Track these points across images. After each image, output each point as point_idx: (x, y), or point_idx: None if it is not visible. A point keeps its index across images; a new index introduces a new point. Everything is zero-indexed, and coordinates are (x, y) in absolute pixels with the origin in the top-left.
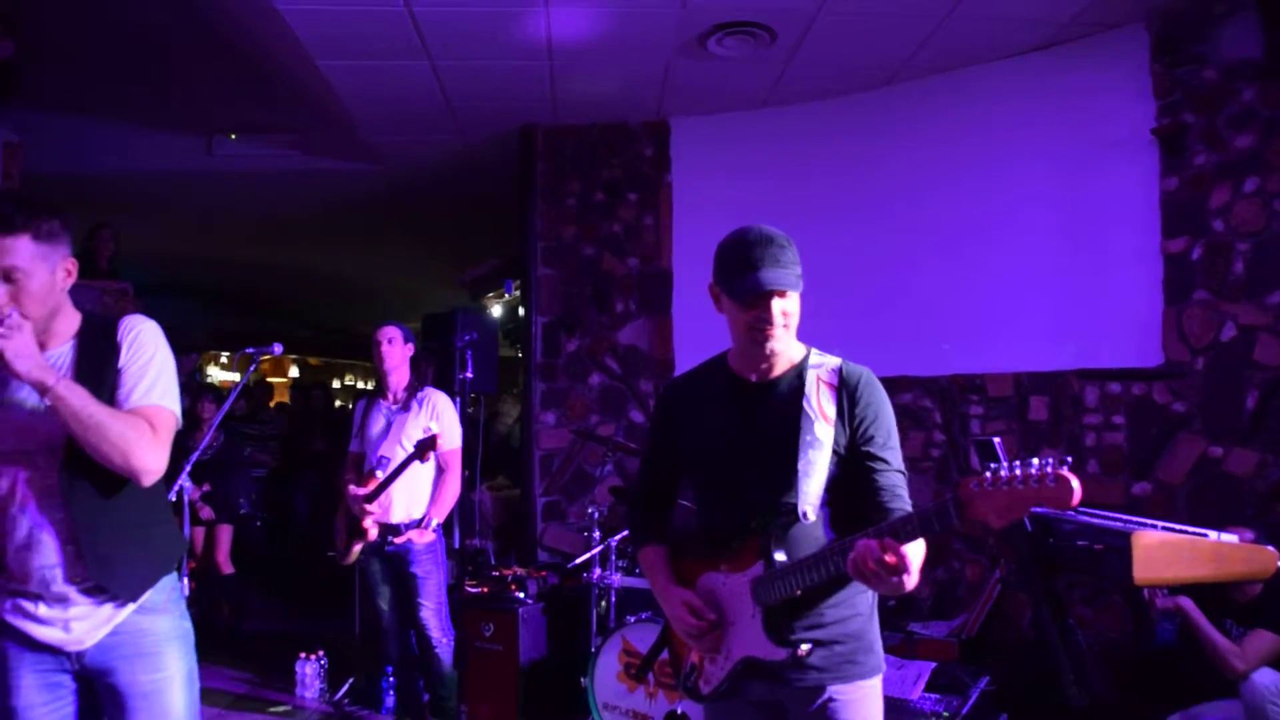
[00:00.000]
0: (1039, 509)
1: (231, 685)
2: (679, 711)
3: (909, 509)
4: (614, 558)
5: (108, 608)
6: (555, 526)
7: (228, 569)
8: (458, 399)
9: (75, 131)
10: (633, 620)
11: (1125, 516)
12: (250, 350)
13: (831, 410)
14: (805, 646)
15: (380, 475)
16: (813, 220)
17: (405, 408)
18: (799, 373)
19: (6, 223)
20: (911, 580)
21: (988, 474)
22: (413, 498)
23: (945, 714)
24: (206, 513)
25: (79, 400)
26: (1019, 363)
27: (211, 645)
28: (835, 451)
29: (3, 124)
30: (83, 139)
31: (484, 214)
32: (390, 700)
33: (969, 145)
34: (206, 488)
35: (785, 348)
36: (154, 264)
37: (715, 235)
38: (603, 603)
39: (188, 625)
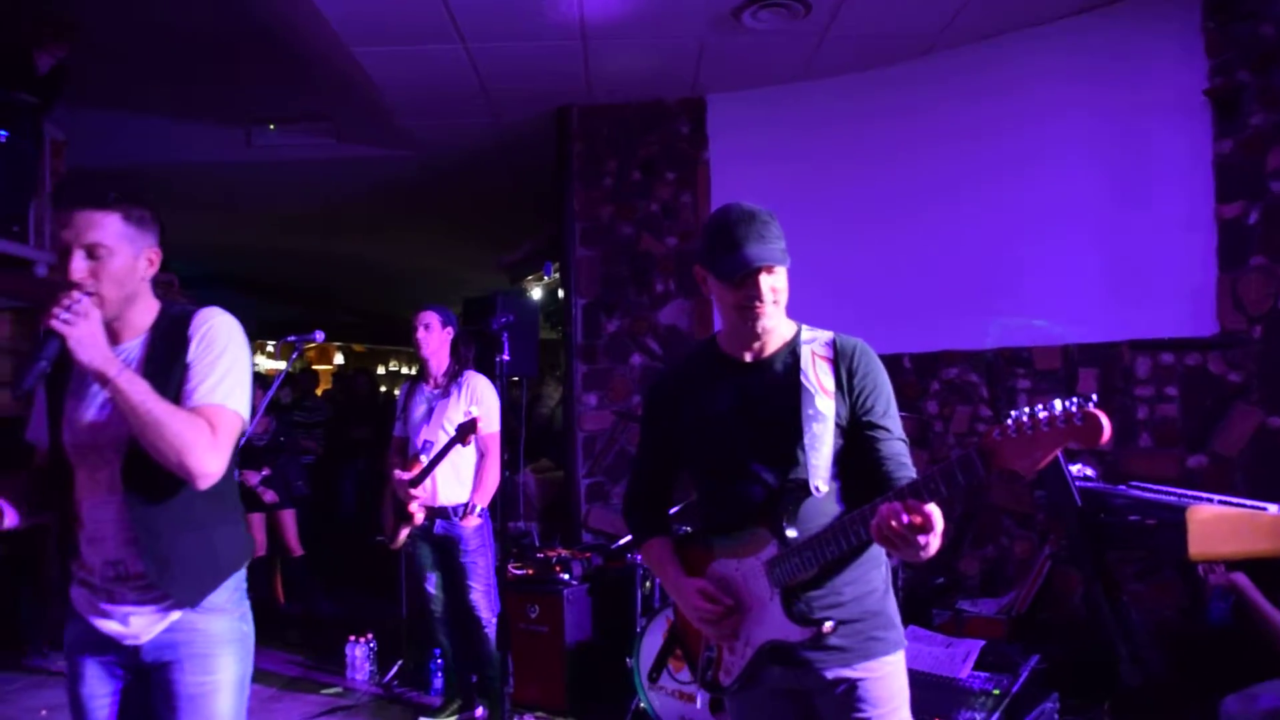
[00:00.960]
0: (1083, 481)
1: (285, 668)
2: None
3: (914, 476)
4: None
5: (165, 605)
6: (599, 508)
7: (298, 551)
8: (498, 382)
9: (119, 127)
10: None
11: (1180, 490)
12: (292, 338)
13: (830, 383)
14: (829, 624)
15: (424, 460)
16: (852, 194)
17: (446, 392)
18: (792, 349)
19: (99, 199)
20: (935, 543)
21: (1009, 420)
22: (457, 481)
23: (995, 692)
24: (270, 496)
25: (138, 395)
26: (1067, 334)
27: (265, 629)
28: (838, 424)
29: (49, 122)
30: (126, 134)
31: (522, 196)
32: (439, 682)
33: (1011, 114)
34: (266, 472)
35: (777, 324)
36: (198, 255)
37: None
38: (647, 583)
39: (246, 629)
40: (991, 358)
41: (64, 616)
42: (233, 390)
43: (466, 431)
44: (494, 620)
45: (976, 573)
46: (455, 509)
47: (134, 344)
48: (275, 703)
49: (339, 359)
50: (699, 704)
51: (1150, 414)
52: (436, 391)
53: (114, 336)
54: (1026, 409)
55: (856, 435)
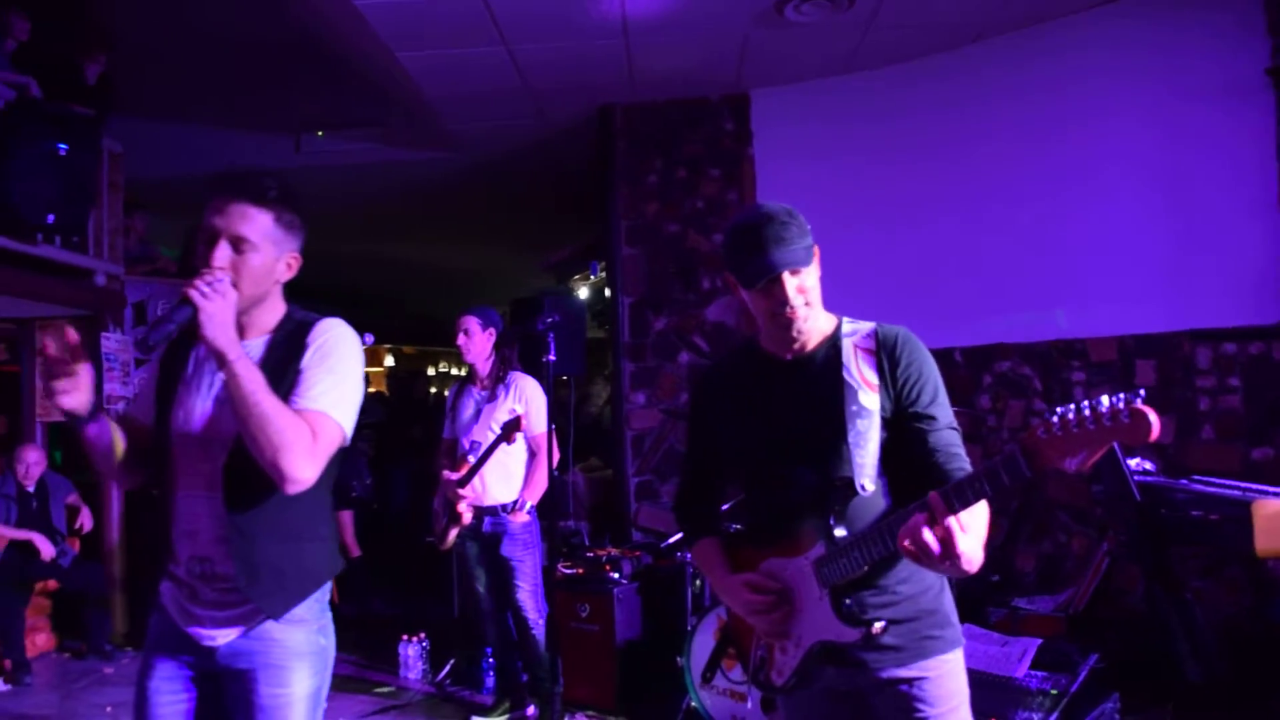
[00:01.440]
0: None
1: (339, 667)
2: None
3: (967, 466)
4: None
5: (245, 610)
6: (648, 506)
7: (355, 551)
8: (544, 382)
9: (172, 138)
10: None
11: (1244, 484)
12: None
13: (873, 376)
14: (879, 625)
15: (471, 460)
16: (899, 186)
17: (493, 394)
18: (833, 343)
19: (257, 194)
20: (967, 556)
21: (1054, 417)
22: (505, 480)
23: (1053, 692)
24: None
25: (251, 383)
26: (1123, 325)
27: None
28: (883, 418)
29: (106, 135)
30: (179, 144)
31: (566, 196)
32: (490, 681)
33: (1062, 100)
34: None
35: (814, 324)
36: None
37: (800, 207)
38: (697, 581)
39: (324, 642)
40: (1045, 350)
41: (149, 610)
42: (339, 401)
43: (511, 429)
44: (541, 620)
45: (1033, 569)
46: (504, 507)
47: (256, 343)
48: (329, 701)
49: (389, 360)
50: (750, 703)
51: (1212, 405)
52: (484, 393)
53: (239, 333)
54: (1072, 405)
55: (903, 427)
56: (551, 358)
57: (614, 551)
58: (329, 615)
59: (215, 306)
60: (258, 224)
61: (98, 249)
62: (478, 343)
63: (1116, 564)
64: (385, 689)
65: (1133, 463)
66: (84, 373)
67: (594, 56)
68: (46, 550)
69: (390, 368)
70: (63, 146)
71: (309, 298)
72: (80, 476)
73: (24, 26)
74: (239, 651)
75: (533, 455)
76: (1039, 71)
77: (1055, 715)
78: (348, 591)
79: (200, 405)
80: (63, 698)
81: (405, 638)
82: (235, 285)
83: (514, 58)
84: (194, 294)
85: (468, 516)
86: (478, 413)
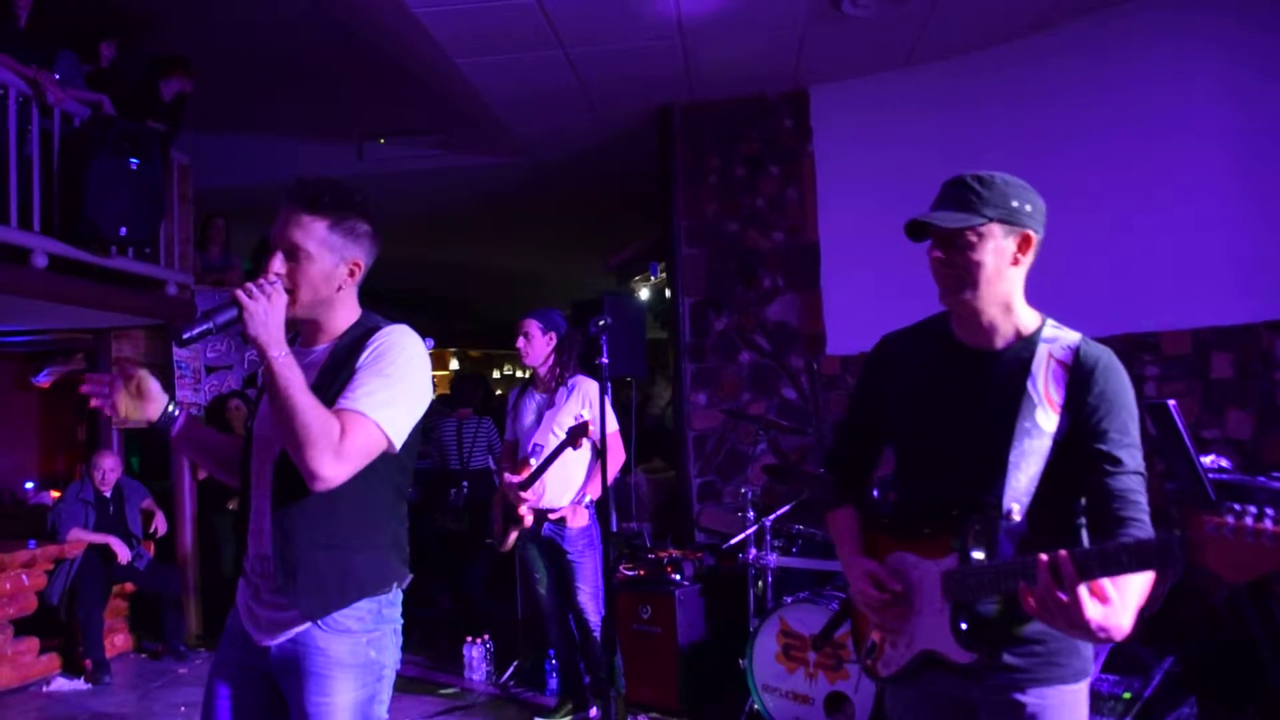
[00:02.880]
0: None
1: (405, 668)
2: (842, 693)
3: (1144, 519)
4: (769, 538)
5: (293, 614)
6: (710, 507)
7: None
8: (601, 384)
9: (237, 148)
10: (790, 601)
11: None
12: None
13: (1058, 395)
14: (994, 654)
15: (533, 463)
16: None
17: (555, 396)
18: (1027, 346)
19: (311, 202)
20: (1099, 625)
21: (1229, 517)
22: (566, 484)
23: (1125, 696)
24: None
25: (287, 380)
26: (1197, 317)
27: None
28: (1056, 441)
29: (175, 148)
30: (244, 155)
31: (626, 197)
32: (554, 682)
33: (1130, 88)
34: None
35: (985, 305)
36: None
37: (861, 204)
38: (759, 583)
39: (375, 655)
40: (1116, 344)
41: (226, 610)
42: (384, 405)
43: (578, 434)
44: (598, 621)
45: None
46: (566, 508)
47: (323, 349)
48: (396, 703)
49: (454, 364)
50: (815, 704)
51: None
52: (544, 396)
53: (308, 339)
54: (1253, 509)
55: (1082, 461)
56: (604, 360)
57: (676, 553)
58: (388, 629)
59: (259, 306)
60: (311, 231)
61: (168, 260)
62: (537, 346)
63: (1194, 564)
64: (450, 690)
65: (1208, 460)
66: (127, 384)
67: (650, 56)
68: (123, 554)
69: (454, 371)
70: (134, 161)
71: (374, 301)
72: (155, 482)
73: (110, 53)
74: (286, 654)
75: (596, 457)
76: (1107, 57)
77: None
78: (414, 593)
79: (266, 406)
80: (139, 697)
81: (470, 639)
82: (292, 291)
83: (571, 60)
84: (240, 295)
85: (529, 519)
86: (539, 416)
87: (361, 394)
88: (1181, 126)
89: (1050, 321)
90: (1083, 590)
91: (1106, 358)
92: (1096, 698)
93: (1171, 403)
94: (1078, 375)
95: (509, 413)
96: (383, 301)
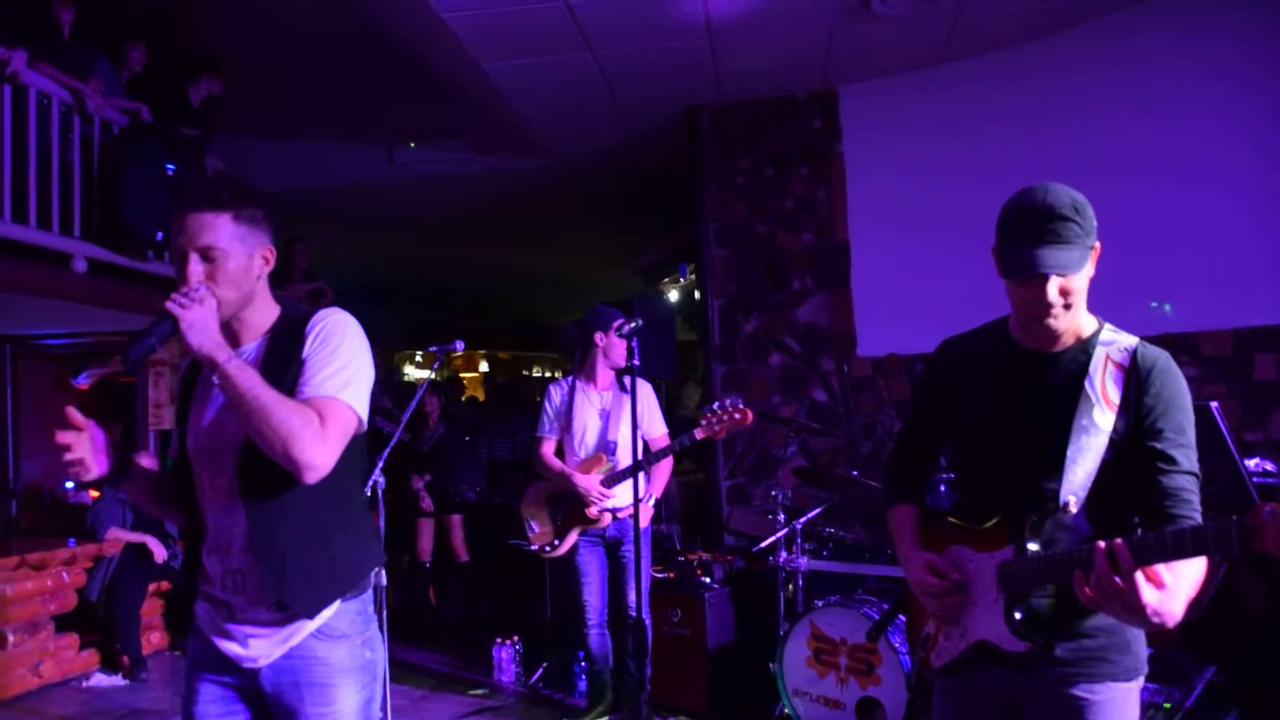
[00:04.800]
0: None
1: (436, 668)
2: (874, 698)
3: (1195, 517)
4: (800, 540)
5: (286, 627)
6: (740, 510)
7: (464, 557)
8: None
9: (270, 153)
10: (820, 604)
11: None
12: (434, 348)
13: (1115, 395)
14: (1048, 644)
15: (607, 460)
16: (991, 179)
17: (616, 394)
18: (1086, 348)
19: (211, 200)
20: (1154, 610)
21: None
22: (627, 484)
23: (1165, 706)
24: (426, 503)
25: (246, 382)
26: (1238, 317)
27: (419, 629)
28: (1113, 439)
29: (209, 153)
30: (277, 160)
31: (654, 199)
32: (583, 684)
33: (1163, 83)
34: (428, 478)
35: (1070, 324)
36: (345, 269)
37: (892, 203)
38: (790, 586)
39: (370, 654)
40: (1153, 344)
41: (189, 631)
42: (346, 384)
43: (669, 452)
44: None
45: None
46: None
47: (252, 346)
48: (425, 702)
49: (484, 366)
50: (846, 709)
51: None
52: (608, 393)
53: (234, 339)
54: None
55: (1137, 460)
56: (635, 362)
57: (705, 555)
58: (373, 626)
59: (194, 314)
60: (219, 229)
61: None
62: (617, 347)
63: (1236, 570)
64: (479, 690)
65: (1251, 463)
66: (79, 441)
67: (678, 58)
68: (159, 552)
69: (484, 373)
70: (170, 166)
71: (404, 303)
72: None
73: (140, 58)
74: (282, 671)
75: (657, 456)
76: (1140, 52)
77: None
78: (448, 594)
79: (207, 416)
80: (175, 693)
81: (499, 640)
82: (215, 293)
83: (599, 63)
84: (171, 306)
85: (606, 519)
86: (604, 412)
87: (323, 378)
88: (1218, 123)
89: (1108, 325)
90: (1139, 575)
91: (1164, 360)
92: None
93: (1214, 404)
94: (1135, 376)
95: (555, 410)
96: (413, 302)
